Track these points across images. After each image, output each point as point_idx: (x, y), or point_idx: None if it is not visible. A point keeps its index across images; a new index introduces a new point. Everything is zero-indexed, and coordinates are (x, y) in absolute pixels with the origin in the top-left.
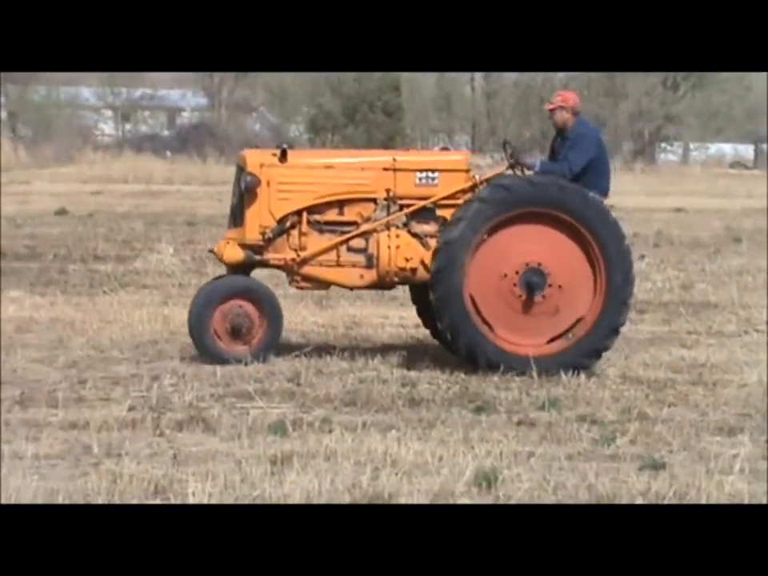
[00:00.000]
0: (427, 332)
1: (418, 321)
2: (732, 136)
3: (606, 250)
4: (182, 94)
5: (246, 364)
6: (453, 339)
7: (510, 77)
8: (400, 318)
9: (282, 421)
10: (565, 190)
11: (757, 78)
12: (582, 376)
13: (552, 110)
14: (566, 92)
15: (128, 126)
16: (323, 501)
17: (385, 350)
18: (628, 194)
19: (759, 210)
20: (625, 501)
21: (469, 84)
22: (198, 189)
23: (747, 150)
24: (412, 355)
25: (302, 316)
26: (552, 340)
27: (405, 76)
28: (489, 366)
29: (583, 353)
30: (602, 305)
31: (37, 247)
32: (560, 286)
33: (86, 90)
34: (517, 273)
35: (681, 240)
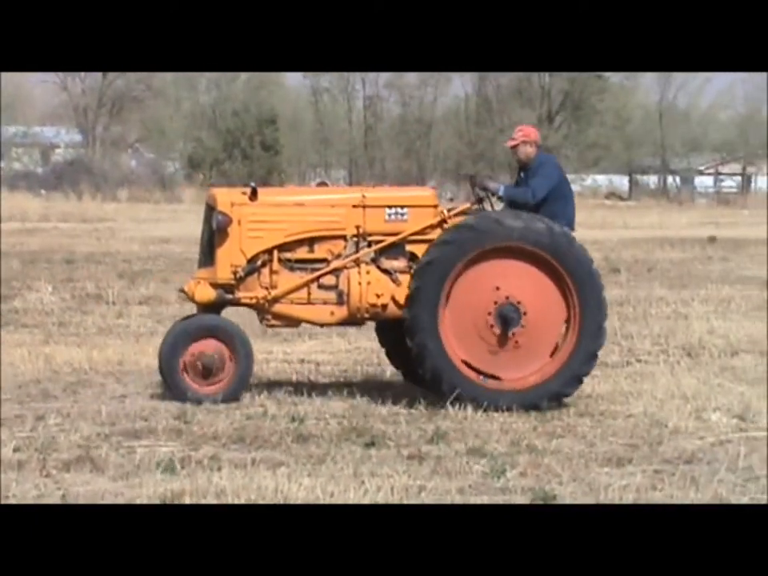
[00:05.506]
0: (312, 367)
1: (303, 356)
2: (608, 168)
3: (576, 277)
4: (56, 130)
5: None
6: (420, 359)
7: (391, 110)
8: (284, 353)
9: (170, 459)
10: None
11: (634, 110)
12: (470, 409)
13: (515, 146)
14: (526, 126)
15: (1, 164)
16: None
17: (271, 385)
18: None
19: (636, 240)
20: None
21: (346, 118)
22: (74, 226)
23: (622, 182)
24: (298, 391)
25: None
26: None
27: (282, 111)
28: (450, 392)
29: (564, 381)
30: (578, 331)
31: None
32: (534, 323)
33: None
34: (495, 303)
35: None
